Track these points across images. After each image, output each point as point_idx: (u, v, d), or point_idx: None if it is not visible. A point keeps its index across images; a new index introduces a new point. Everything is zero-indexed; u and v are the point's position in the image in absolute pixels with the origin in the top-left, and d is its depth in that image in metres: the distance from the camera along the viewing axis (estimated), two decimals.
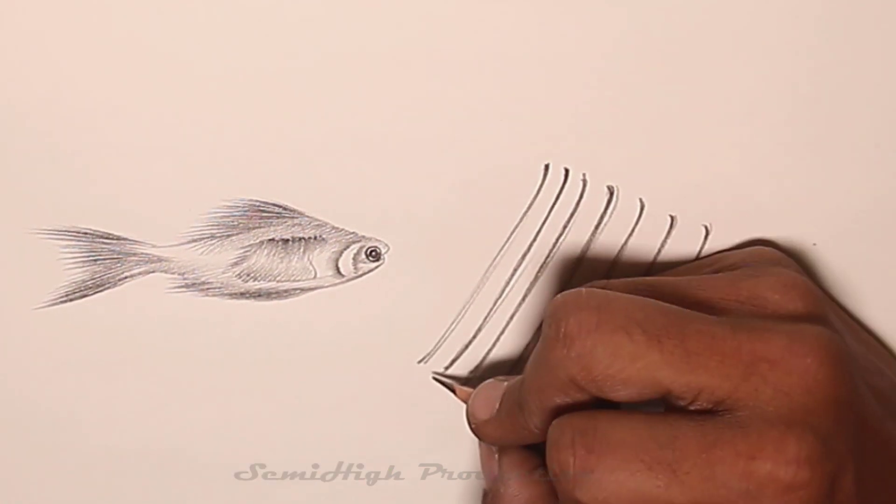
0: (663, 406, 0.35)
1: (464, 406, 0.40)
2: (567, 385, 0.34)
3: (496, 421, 0.38)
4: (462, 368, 0.42)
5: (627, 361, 0.33)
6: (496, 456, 0.39)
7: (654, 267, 0.41)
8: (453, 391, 0.41)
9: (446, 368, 0.42)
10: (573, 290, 0.35)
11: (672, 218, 0.40)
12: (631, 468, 0.33)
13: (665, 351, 0.33)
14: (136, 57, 0.37)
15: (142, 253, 0.39)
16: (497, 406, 0.38)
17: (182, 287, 0.40)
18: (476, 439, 0.40)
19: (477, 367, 0.42)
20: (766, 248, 0.39)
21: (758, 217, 0.40)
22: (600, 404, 0.35)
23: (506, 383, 0.38)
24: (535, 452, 0.38)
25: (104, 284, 0.40)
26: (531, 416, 0.36)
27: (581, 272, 0.41)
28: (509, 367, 0.42)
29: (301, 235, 0.40)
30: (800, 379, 0.33)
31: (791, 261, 0.39)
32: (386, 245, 0.40)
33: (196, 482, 0.43)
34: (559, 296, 0.35)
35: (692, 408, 0.33)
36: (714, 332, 0.33)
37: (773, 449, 0.32)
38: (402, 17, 0.37)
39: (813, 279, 0.40)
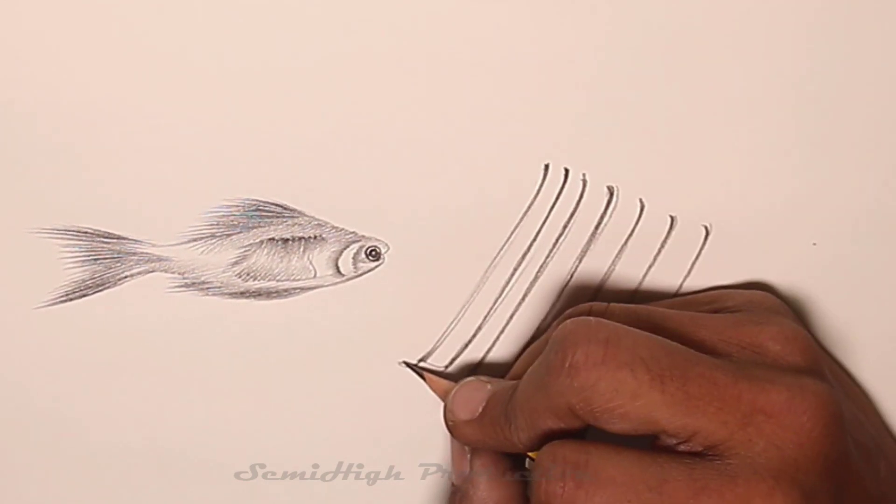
0: (650, 442, 0.35)
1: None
2: (563, 412, 0.34)
3: (477, 424, 0.38)
4: (462, 368, 0.42)
5: (628, 398, 0.33)
6: (468, 456, 0.39)
7: (654, 267, 0.41)
8: (423, 378, 0.41)
9: (446, 367, 0.42)
10: (582, 318, 0.35)
11: (672, 218, 0.40)
12: None
13: (666, 392, 0.33)
14: (137, 57, 0.37)
15: (142, 252, 0.39)
16: (480, 409, 0.38)
17: (182, 286, 0.40)
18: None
19: (476, 367, 0.42)
20: (767, 295, 0.40)
21: (758, 217, 0.40)
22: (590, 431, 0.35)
23: (489, 386, 0.38)
24: (506, 456, 0.39)
25: (104, 284, 0.40)
26: (518, 431, 0.36)
27: (581, 272, 0.41)
28: (509, 367, 0.42)
29: (301, 235, 0.40)
30: (794, 435, 0.33)
31: (788, 310, 0.39)
32: (386, 245, 0.40)
33: (196, 482, 0.43)
34: (568, 322, 0.35)
35: (682, 448, 0.34)
36: (716, 378, 0.34)
37: (760, 502, 0.32)
38: (401, 17, 0.37)
39: (814, 280, 0.40)
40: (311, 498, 0.43)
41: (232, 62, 0.37)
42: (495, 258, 0.40)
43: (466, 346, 0.42)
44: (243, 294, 0.40)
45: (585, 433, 0.35)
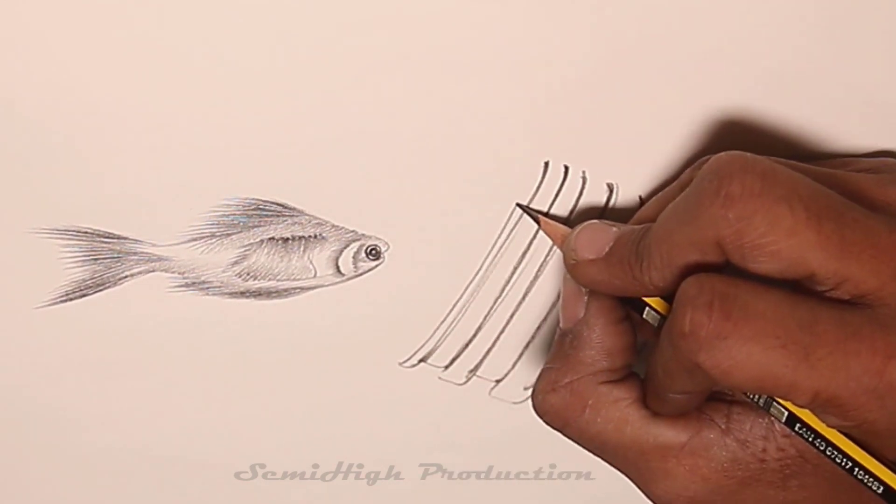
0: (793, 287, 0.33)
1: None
2: (710, 245, 0.33)
3: (603, 264, 0.36)
4: (462, 367, 0.42)
5: (782, 234, 0.32)
6: (585, 298, 0.38)
7: None
8: (538, 222, 0.40)
9: (446, 368, 0.42)
10: (736, 151, 0.34)
11: None
12: (765, 343, 0.32)
13: (822, 233, 0.32)
14: (137, 56, 0.37)
15: (142, 252, 0.39)
16: (607, 249, 0.36)
17: (182, 286, 0.40)
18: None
19: (477, 366, 0.42)
20: None
21: None
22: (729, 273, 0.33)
23: (614, 229, 0.36)
24: (622, 303, 0.37)
25: (104, 284, 0.40)
26: (653, 268, 0.34)
27: None
28: (509, 366, 0.42)
29: (301, 234, 0.40)
30: None
31: None
32: (386, 243, 0.40)
33: (196, 482, 0.43)
34: (722, 154, 0.33)
35: (830, 295, 0.33)
36: (871, 226, 0.33)
37: None
38: (401, 16, 0.37)
39: None
40: (311, 498, 0.43)
41: (232, 62, 0.37)
42: (495, 256, 0.41)
43: (467, 345, 0.42)
44: (243, 294, 0.40)
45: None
